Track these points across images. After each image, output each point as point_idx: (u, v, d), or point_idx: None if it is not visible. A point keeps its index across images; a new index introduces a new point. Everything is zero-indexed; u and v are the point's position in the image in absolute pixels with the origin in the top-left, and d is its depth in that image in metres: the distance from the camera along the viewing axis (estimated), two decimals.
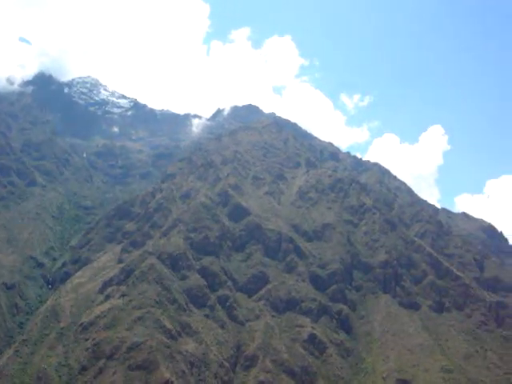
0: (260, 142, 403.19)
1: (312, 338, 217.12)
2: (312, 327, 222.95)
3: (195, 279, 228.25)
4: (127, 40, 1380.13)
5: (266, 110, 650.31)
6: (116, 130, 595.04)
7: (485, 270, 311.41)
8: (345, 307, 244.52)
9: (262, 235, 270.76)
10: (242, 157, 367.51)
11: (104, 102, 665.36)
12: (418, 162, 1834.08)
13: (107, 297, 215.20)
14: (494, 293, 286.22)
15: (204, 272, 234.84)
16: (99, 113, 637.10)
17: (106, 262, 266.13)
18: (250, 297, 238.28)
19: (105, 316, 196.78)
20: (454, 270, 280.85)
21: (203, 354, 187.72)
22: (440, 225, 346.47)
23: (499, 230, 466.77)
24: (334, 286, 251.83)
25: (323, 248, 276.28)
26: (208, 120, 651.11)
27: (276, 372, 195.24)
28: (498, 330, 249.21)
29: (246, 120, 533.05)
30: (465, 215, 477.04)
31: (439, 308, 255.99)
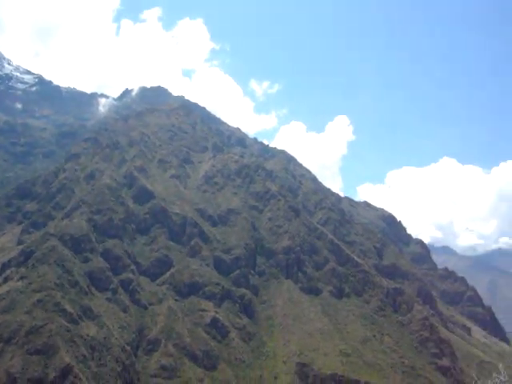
0: (167, 125, 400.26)
1: (214, 322, 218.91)
2: (215, 311, 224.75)
3: (98, 262, 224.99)
4: (34, 14, 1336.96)
5: (175, 92, 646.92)
6: (19, 106, 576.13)
7: (384, 258, 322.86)
8: (247, 292, 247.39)
9: (166, 219, 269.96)
10: (148, 139, 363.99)
11: (7, 77, 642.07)
12: (323, 151, 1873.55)
13: (6, 279, 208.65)
14: (392, 279, 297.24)
15: (107, 255, 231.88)
16: (2, 88, 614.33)
17: (5, 243, 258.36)
18: (153, 280, 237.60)
19: (3, 299, 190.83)
20: (355, 257, 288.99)
21: (105, 337, 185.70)
22: (342, 213, 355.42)
23: (398, 219, 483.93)
24: (238, 271, 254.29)
25: (228, 233, 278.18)
26: (115, 100, 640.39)
27: (178, 356, 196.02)
28: (395, 315, 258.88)
29: (154, 102, 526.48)
30: (366, 204, 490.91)
31: (339, 294, 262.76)
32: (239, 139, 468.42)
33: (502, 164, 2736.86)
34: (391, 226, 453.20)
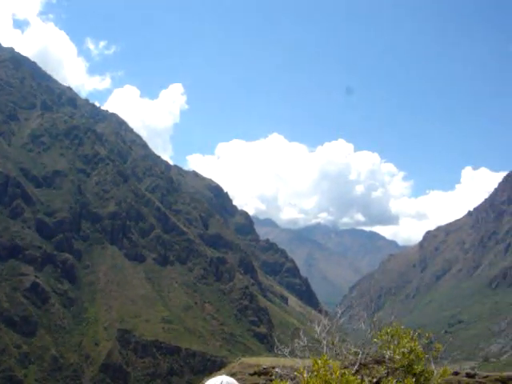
0: None
1: (34, 286, 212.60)
2: (35, 276, 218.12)
3: None
4: None
5: (4, 43, 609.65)
6: None
7: (209, 227, 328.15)
8: (70, 257, 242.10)
9: None
10: None
11: None
12: (155, 118, 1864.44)
13: None
14: (216, 249, 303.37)
15: None
16: None
17: None
18: None
19: None
20: (180, 226, 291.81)
21: None
22: (171, 181, 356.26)
23: (225, 190, 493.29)
24: (61, 235, 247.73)
25: (52, 195, 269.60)
26: None
27: None
28: (217, 283, 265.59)
29: None
30: (195, 174, 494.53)
31: (163, 261, 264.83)
32: (70, 99, 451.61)
33: (326, 144, 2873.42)
34: (218, 197, 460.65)
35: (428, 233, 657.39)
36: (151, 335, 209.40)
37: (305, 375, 11.49)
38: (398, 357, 12.76)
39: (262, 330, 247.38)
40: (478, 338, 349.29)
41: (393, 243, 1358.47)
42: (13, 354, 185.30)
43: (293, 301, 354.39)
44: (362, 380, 12.48)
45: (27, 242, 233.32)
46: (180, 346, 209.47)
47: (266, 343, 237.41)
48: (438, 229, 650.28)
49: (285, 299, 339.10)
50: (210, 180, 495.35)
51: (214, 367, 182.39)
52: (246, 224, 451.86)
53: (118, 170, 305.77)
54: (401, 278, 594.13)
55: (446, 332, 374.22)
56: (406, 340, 12.82)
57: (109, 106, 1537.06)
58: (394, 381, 12.04)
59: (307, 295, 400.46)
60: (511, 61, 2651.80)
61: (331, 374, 11.20)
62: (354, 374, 12.01)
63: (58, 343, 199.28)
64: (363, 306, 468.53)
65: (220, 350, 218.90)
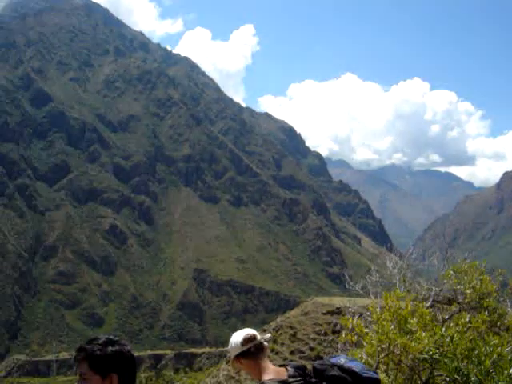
0: (67, 26, 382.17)
1: (113, 228, 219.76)
2: (113, 218, 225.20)
3: None
4: None
5: None
6: None
7: (282, 169, 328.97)
8: (147, 199, 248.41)
9: (65, 123, 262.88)
10: (47, 39, 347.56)
11: None
12: (227, 60, 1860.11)
13: None
14: (289, 190, 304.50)
15: (2, 159, 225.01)
16: None
17: None
18: (50, 186, 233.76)
19: None
20: (253, 167, 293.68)
21: (0, 244, 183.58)
22: (243, 123, 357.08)
23: (298, 131, 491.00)
24: (137, 178, 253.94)
25: (128, 139, 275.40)
26: None
27: (76, 262, 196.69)
28: (290, 224, 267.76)
29: (54, 0, 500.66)
30: (267, 115, 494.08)
31: (237, 202, 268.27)
32: (142, 44, 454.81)
33: (401, 83, 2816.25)
34: (290, 138, 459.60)
35: (506, 174, 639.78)
36: (226, 275, 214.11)
37: (377, 309, 11.27)
38: (468, 291, 12.54)
39: (335, 270, 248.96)
40: None
41: (469, 184, 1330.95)
42: (94, 292, 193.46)
43: (366, 242, 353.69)
44: (435, 314, 12.32)
45: (105, 185, 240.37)
46: (254, 285, 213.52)
47: (339, 283, 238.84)
48: None
49: (358, 240, 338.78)
50: (283, 121, 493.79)
51: (288, 306, 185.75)
52: (319, 165, 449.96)
53: (191, 113, 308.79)
54: (476, 220, 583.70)
55: None
56: (476, 274, 12.62)
57: (180, 49, 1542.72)
58: (468, 316, 11.66)
59: (380, 236, 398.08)
60: None
61: (404, 307, 10.92)
62: (427, 308, 11.88)
63: (136, 282, 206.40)
64: (437, 248, 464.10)
65: (293, 290, 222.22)
